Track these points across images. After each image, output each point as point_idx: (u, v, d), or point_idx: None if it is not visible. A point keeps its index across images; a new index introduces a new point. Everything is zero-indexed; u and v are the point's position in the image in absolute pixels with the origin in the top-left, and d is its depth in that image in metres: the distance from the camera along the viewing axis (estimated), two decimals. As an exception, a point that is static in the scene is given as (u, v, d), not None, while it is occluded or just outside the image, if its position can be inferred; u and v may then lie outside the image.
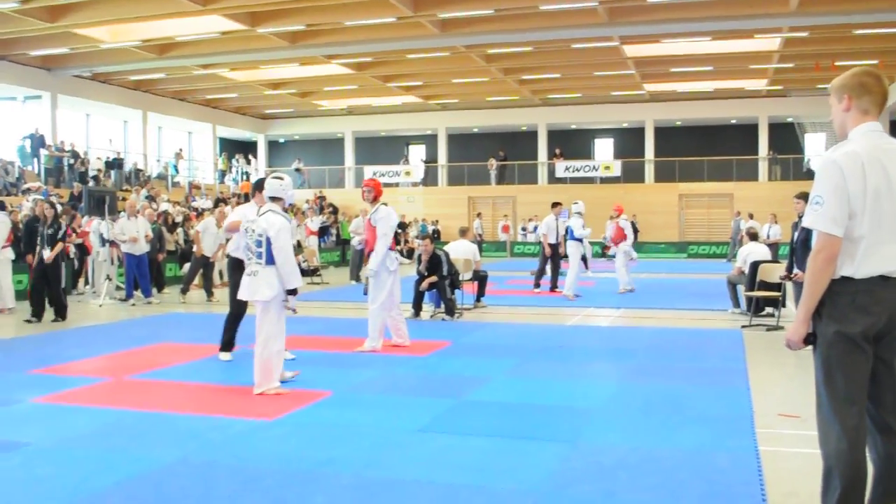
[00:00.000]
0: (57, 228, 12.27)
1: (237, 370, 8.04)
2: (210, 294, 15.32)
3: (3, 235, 13.41)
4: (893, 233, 3.33)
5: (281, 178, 7.42)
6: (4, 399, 6.69)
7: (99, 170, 26.24)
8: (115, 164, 27.66)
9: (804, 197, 9.42)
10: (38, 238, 12.31)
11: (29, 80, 26.06)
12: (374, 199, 9.40)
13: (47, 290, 12.31)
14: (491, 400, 6.67)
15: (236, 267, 8.30)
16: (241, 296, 7.41)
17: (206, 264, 15.39)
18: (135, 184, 27.00)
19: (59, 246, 12.18)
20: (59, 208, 13.88)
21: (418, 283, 12.22)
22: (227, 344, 8.64)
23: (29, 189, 21.05)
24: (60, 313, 12.29)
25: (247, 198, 30.61)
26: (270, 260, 6.94)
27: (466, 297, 13.38)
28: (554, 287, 16.01)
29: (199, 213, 22.38)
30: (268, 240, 6.91)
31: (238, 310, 8.50)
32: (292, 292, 7.07)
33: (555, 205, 16.40)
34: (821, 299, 3.40)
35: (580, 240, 15.31)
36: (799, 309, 3.50)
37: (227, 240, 16.25)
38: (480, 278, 13.91)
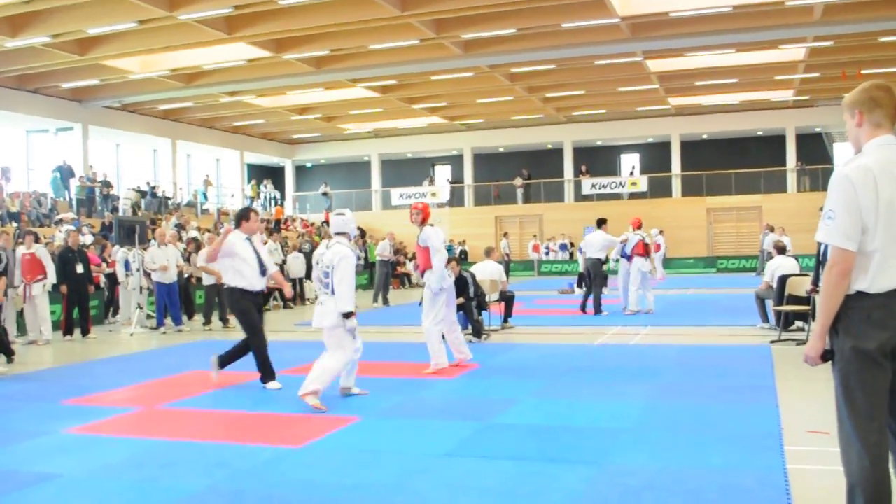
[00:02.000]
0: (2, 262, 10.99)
1: (264, 398, 8.11)
2: (225, 322, 15.49)
3: (47, 268, 13.53)
4: None
5: (342, 214, 7.94)
6: (37, 430, 6.79)
7: (132, 199, 26.63)
8: (146, 193, 28.04)
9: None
10: None
11: (60, 112, 26.63)
12: (423, 222, 9.57)
13: None
14: (518, 422, 6.66)
15: (242, 296, 8.60)
16: (313, 323, 7.69)
17: (218, 292, 15.59)
18: (164, 212, 27.34)
19: (3, 282, 11.08)
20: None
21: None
22: (271, 373, 8.69)
23: (61, 220, 21.39)
24: (7, 355, 10.98)
25: (277, 224, 30.99)
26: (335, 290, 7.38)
27: (493, 319, 13.38)
28: (585, 307, 15.71)
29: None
30: (333, 270, 7.37)
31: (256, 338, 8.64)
32: (347, 315, 7.33)
33: (601, 222, 15.91)
34: (837, 315, 3.40)
35: (628, 257, 15.24)
36: (815, 324, 3.51)
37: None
38: (507, 299, 13.90)
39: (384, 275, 19.63)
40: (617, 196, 34.94)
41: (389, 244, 20.64)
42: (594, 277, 15.42)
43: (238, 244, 8.59)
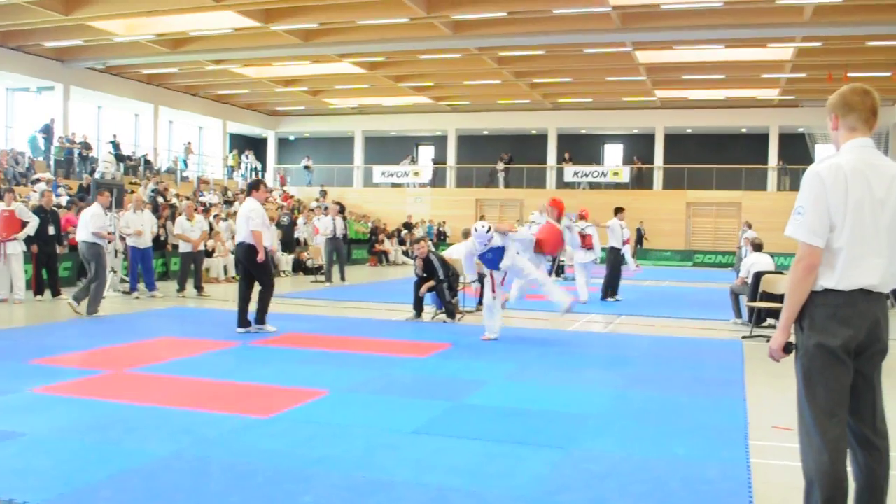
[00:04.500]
0: None
1: (234, 366, 8.08)
2: (199, 289, 15.44)
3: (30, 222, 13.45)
4: (875, 246, 3.38)
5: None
6: (3, 388, 6.73)
7: (111, 163, 26.35)
8: (125, 157, 27.68)
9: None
10: None
11: (42, 71, 26.24)
12: (558, 218, 11.43)
13: None
14: (487, 404, 6.68)
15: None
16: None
17: (194, 259, 15.54)
18: (142, 177, 27.10)
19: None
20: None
21: (417, 285, 12.27)
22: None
23: (38, 179, 21.15)
24: None
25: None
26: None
27: (469, 300, 13.38)
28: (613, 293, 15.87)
29: (207, 209, 22.45)
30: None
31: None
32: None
33: (618, 210, 16.28)
34: (803, 311, 3.45)
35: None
36: (780, 318, 3.55)
37: (211, 230, 16.82)
38: (483, 281, 13.88)
39: (336, 251, 19.37)
40: (598, 185, 35.04)
41: (342, 222, 20.18)
42: (615, 266, 15.86)
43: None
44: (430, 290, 12.18)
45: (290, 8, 20.94)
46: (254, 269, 10.39)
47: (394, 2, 19.74)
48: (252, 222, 10.29)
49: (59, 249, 14.68)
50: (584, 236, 15.46)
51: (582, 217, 15.90)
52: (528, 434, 5.71)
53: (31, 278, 14.07)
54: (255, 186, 10.87)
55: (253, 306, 10.46)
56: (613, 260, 15.89)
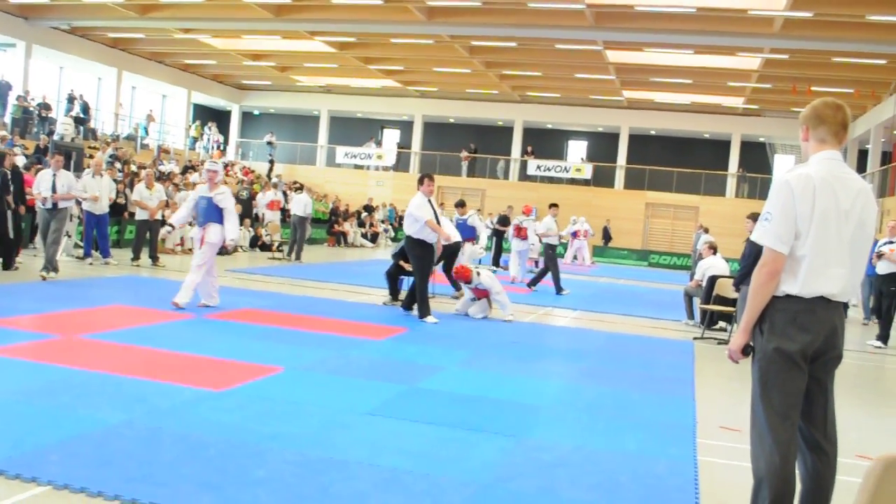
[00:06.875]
0: None
1: (188, 337, 8.01)
2: (154, 259, 15.23)
3: None
4: (837, 256, 3.47)
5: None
6: (-49, 347, 6.61)
7: (70, 125, 25.81)
8: (83, 120, 27.10)
9: (755, 217, 9.71)
10: None
11: (5, 27, 25.65)
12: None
13: None
14: (441, 389, 6.71)
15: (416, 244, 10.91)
16: None
17: (150, 228, 15.31)
18: (98, 140, 26.60)
19: None
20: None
21: (395, 268, 12.12)
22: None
23: (-7, 137, 20.68)
24: None
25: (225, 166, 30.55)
26: None
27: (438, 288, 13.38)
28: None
29: (167, 177, 22.17)
30: None
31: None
32: None
33: (552, 206, 17.37)
34: (763, 315, 3.52)
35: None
36: (740, 320, 3.63)
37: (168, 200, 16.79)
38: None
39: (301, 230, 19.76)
40: (559, 180, 35.22)
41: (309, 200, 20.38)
42: (550, 260, 16.28)
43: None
44: (408, 273, 11.99)
45: (264, -19, 20.76)
46: (411, 261, 11.09)
47: (369, -17, 19.65)
48: (417, 221, 10.86)
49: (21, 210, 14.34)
50: (520, 228, 18.26)
51: (524, 212, 18.87)
52: (481, 421, 5.75)
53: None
54: (420, 181, 11.32)
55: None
56: (551, 254, 16.19)
